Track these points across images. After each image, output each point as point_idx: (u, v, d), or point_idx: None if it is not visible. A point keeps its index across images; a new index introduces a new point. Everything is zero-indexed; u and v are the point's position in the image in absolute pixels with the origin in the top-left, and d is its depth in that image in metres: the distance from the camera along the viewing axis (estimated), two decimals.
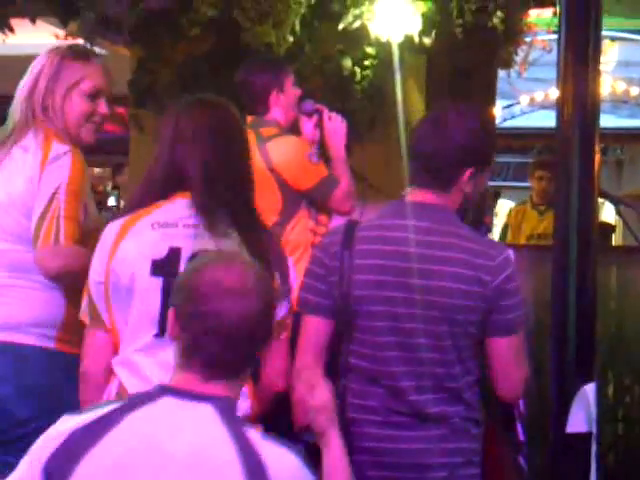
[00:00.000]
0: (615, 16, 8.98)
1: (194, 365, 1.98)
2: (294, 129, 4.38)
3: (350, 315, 2.50)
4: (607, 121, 13.17)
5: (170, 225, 2.50)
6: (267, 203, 4.12)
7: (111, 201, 11.12)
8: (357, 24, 5.50)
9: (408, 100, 5.73)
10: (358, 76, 5.68)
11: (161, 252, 2.48)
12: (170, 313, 2.05)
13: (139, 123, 5.81)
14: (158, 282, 2.48)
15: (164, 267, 2.47)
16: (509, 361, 2.57)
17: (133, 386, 2.43)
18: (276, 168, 4.12)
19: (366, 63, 5.68)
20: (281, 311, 2.48)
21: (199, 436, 1.90)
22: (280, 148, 4.16)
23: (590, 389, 2.29)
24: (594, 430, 2.29)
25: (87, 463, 1.89)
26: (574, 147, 2.39)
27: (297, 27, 5.35)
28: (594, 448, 2.29)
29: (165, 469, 1.88)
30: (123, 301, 2.51)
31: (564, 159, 2.44)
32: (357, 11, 5.47)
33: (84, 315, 2.58)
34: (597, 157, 2.43)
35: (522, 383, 2.59)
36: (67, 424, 1.96)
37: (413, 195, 2.58)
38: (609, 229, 7.35)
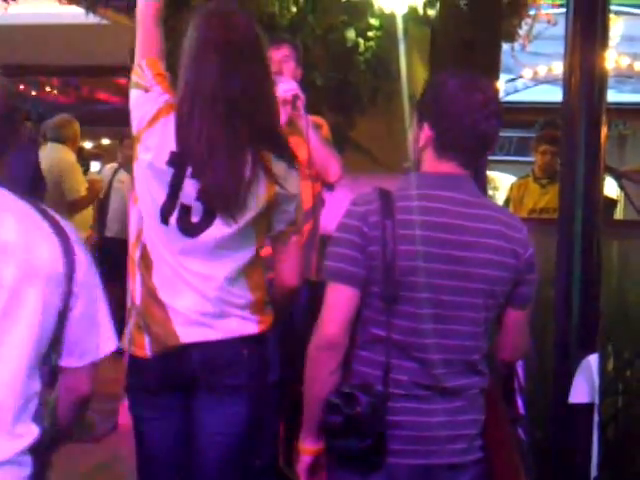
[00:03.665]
0: None
1: None
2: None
3: (393, 286, 2.42)
4: (610, 96, 13.12)
5: None
6: None
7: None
8: None
9: (412, 72, 5.69)
10: (362, 47, 5.65)
11: (176, 147, 2.63)
12: None
13: None
14: (170, 173, 2.63)
15: (177, 160, 2.62)
16: (521, 331, 2.64)
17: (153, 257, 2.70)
18: None
19: (370, 34, 5.65)
20: (289, 216, 2.70)
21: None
22: None
23: (593, 360, 2.29)
24: (596, 401, 2.29)
25: None
26: (581, 121, 2.38)
27: None
28: (596, 419, 2.29)
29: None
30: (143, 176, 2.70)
31: (570, 133, 2.43)
32: None
33: None
34: (604, 131, 2.41)
35: (524, 350, 2.67)
36: None
37: (442, 166, 2.53)
38: (611, 203, 7.32)
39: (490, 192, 12.15)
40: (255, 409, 2.75)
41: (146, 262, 2.70)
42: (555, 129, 6.89)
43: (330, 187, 4.20)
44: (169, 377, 2.70)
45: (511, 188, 7.48)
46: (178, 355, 2.66)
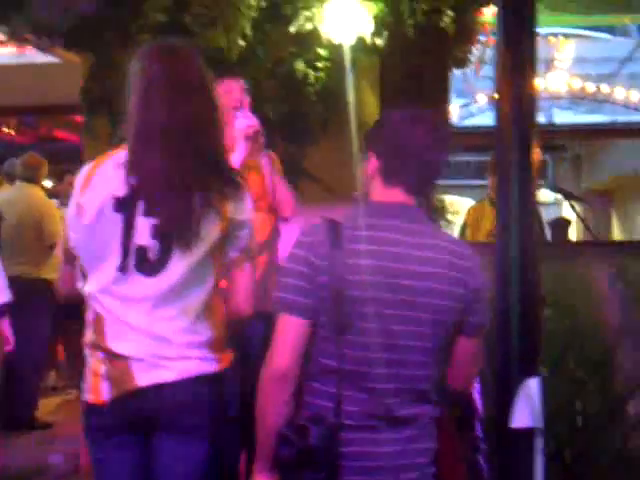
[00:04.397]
0: (570, 13, 9.04)
1: None
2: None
3: (342, 316, 2.42)
4: (566, 117, 13.34)
5: None
6: None
7: None
8: (309, 26, 5.50)
9: (361, 101, 5.73)
10: (311, 78, 5.66)
11: (122, 190, 2.63)
12: None
13: (92, 130, 5.76)
14: (119, 218, 2.63)
15: (125, 205, 2.63)
16: (472, 360, 2.63)
17: (106, 313, 2.68)
18: None
19: (319, 65, 5.66)
20: (242, 242, 2.71)
21: None
22: None
23: (534, 384, 2.30)
24: (539, 425, 2.30)
25: None
26: (512, 145, 2.41)
27: (248, 31, 5.34)
28: (539, 443, 2.29)
29: None
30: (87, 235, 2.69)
31: (502, 157, 2.46)
32: (308, 13, 5.47)
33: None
34: (535, 154, 2.46)
35: (474, 378, 2.68)
36: None
37: (389, 195, 2.55)
38: (566, 224, 7.40)
39: (450, 217, 12.21)
40: (214, 448, 2.73)
41: (99, 317, 2.69)
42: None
43: (285, 219, 4.23)
44: (128, 419, 2.68)
45: (468, 212, 7.52)
46: (137, 398, 2.64)
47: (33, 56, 7.15)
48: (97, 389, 2.68)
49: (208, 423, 2.69)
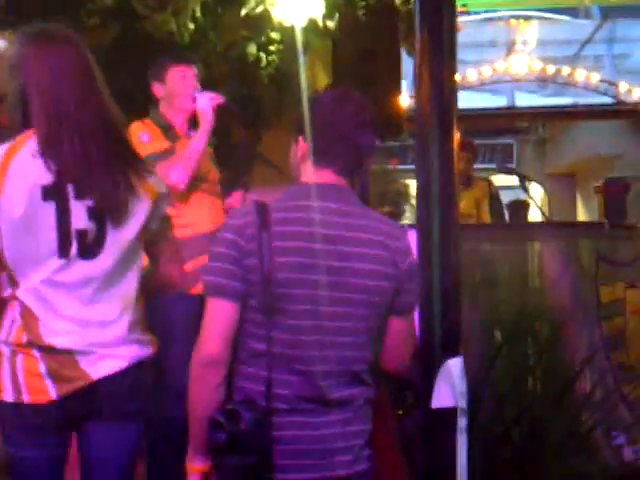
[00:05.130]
0: None
1: None
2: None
3: (271, 299, 2.40)
4: (531, 100, 13.36)
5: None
6: None
7: None
8: (260, 9, 5.47)
9: (314, 84, 5.71)
10: (264, 62, 5.65)
11: (47, 177, 2.57)
12: None
13: None
14: (51, 206, 2.57)
15: (54, 192, 2.57)
16: (405, 340, 2.61)
17: (41, 310, 2.59)
18: None
19: (271, 48, 5.65)
20: (162, 212, 2.75)
21: None
22: None
23: (454, 364, 2.30)
24: (461, 404, 2.30)
25: None
26: (433, 128, 2.42)
27: (198, 14, 5.30)
28: (462, 422, 2.29)
29: None
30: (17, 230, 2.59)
31: (423, 141, 2.47)
32: None
33: None
34: (456, 137, 2.47)
35: (409, 359, 2.63)
36: None
37: (321, 176, 2.54)
38: (524, 205, 7.43)
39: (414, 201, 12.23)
40: (144, 429, 2.75)
41: (29, 314, 2.62)
42: (466, 136, 6.98)
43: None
44: (72, 415, 2.65)
45: None
46: (85, 392, 2.61)
47: None
48: (38, 389, 2.60)
49: (145, 407, 2.69)
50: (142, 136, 4.20)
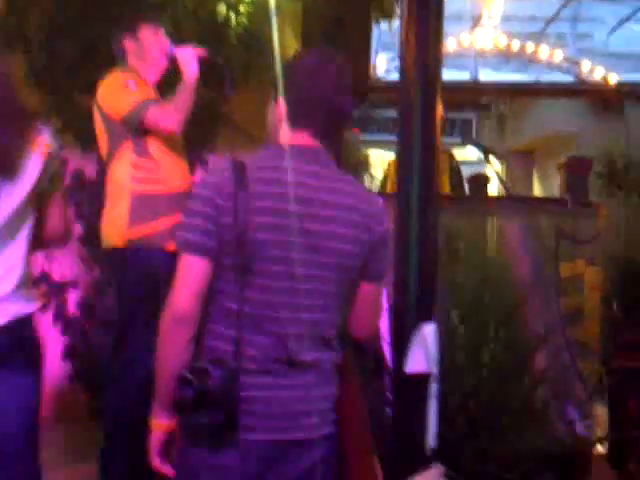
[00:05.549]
0: None
1: None
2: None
3: (245, 259, 2.39)
4: (492, 75, 13.35)
5: None
6: (101, 144, 4.20)
7: None
8: None
9: (284, 47, 5.64)
10: (233, 22, 5.57)
11: None
12: None
13: None
14: None
15: None
16: (373, 306, 2.63)
17: None
18: (98, 102, 4.23)
19: (241, 9, 5.57)
20: (52, 169, 2.81)
21: None
22: (102, 83, 4.24)
23: (428, 329, 2.31)
24: (434, 370, 2.31)
25: None
26: (416, 101, 2.42)
27: None
28: (433, 388, 2.30)
29: None
30: None
31: (406, 113, 2.46)
32: None
33: None
34: (439, 110, 2.46)
35: (377, 327, 2.65)
36: None
37: (296, 139, 2.52)
38: (485, 180, 7.45)
39: (373, 171, 12.25)
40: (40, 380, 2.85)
41: None
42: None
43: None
44: None
45: (388, 165, 7.53)
46: None
47: None
48: None
49: (31, 361, 2.77)
50: (129, 83, 4.17)
